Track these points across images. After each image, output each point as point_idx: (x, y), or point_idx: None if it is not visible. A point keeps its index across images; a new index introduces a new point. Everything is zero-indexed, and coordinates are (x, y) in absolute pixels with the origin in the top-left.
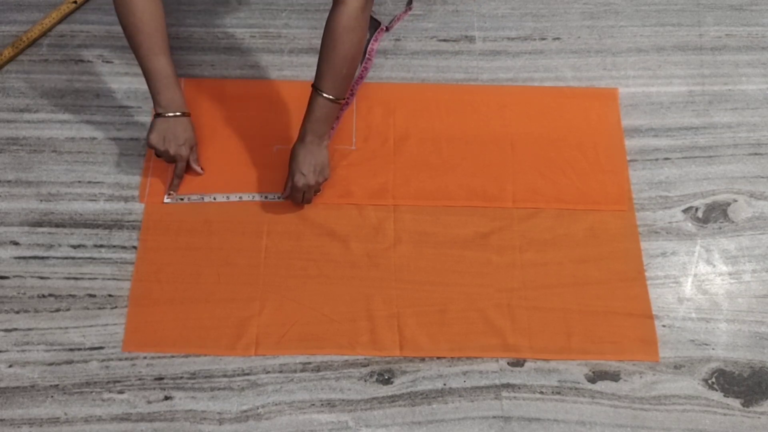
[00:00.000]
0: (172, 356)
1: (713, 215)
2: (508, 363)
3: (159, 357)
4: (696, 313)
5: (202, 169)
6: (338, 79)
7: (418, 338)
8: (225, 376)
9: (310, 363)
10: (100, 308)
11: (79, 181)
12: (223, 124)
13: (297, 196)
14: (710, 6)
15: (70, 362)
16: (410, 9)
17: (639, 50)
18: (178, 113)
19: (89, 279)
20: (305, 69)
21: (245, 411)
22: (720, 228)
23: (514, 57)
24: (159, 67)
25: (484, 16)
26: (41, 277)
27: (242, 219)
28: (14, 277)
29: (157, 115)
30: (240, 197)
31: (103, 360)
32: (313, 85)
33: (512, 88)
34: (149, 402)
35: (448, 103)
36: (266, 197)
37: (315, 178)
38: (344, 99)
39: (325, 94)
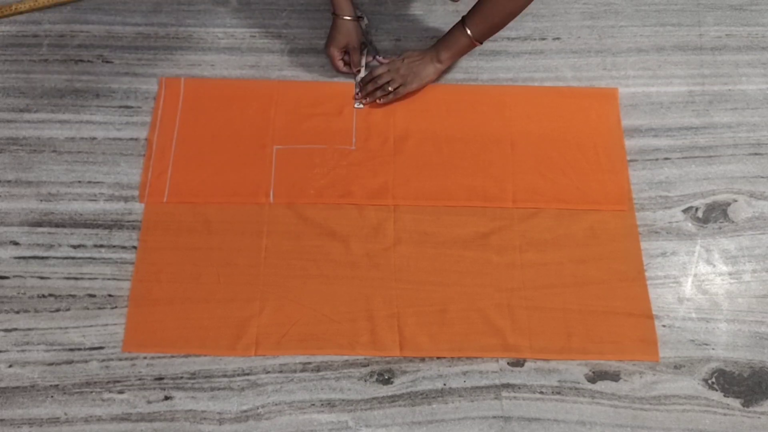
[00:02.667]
0: (172, 356)
1: (713, 215)
2: (508, 363)
3: (159, 357)
4: (696, 313)
5: (359, 70)
6: (487, 24)
7: (418, 338)
8: (225, 376)
9: (310, 363)
10: (100, 308)
11: (79, 181)
12: (223, 124)
13: (376, 71)
14: (710, 6)
15: (70, 362)
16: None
17: (639, 50)
18: (339, 15)
19: (89, 279)
20: (305, 69)
21: (245, 411)
22: (720, 228)
23: (514, 57)
24: None
25: None
26: (41, 277)
27: (242, 219)
28: (14, 277)
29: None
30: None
31: (103, 360)
32: (463, 17)
33: (512, 88)
34: (149, 402)
35: (448, 103)
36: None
37: (403, 74)
38: (481, 43)
39: (468, 30)
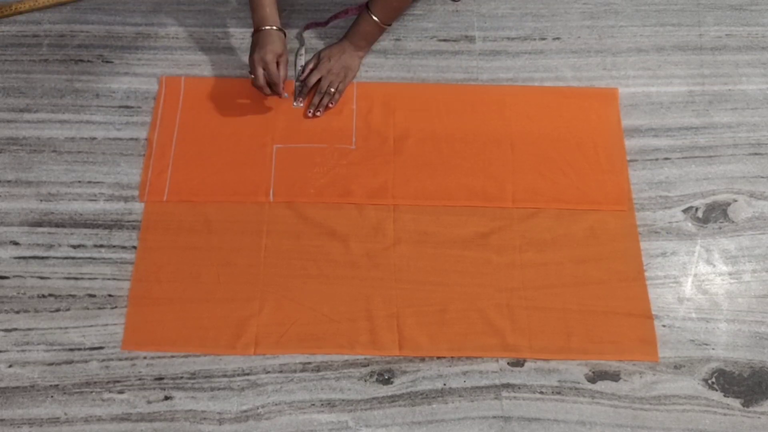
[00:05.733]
0: (172, 356)
1: (713, 215)
2: (508, 363)
3: (159, 357)
4: (696, 313)
5: (284, 89)
6: (389, 8)
7: (418, 338)
8: (225, 376)
9: (310, 363)
10: (100, 308)
11: (79, 181)
12: (223, 124)
13: (311, 80)
14: (710, 6)
15: (70, 362)
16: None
17: (639, 50)
18: (266, 27)
19: (89, 279)
20: None
21: (245, 411)
22: (720, 228)
23: (514, 57)
24: None
25: (484, 16)
26: (41, 277)
27: (242, 218)
28: (14, 277)
29: (253, 34)
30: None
31: (103, 360)
32: (365, 5)
33: (512, 88)
34: (149, 402)
35: (448, 103)
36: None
37: (337, 73)
38: (389, 25)
39: (373, 16)
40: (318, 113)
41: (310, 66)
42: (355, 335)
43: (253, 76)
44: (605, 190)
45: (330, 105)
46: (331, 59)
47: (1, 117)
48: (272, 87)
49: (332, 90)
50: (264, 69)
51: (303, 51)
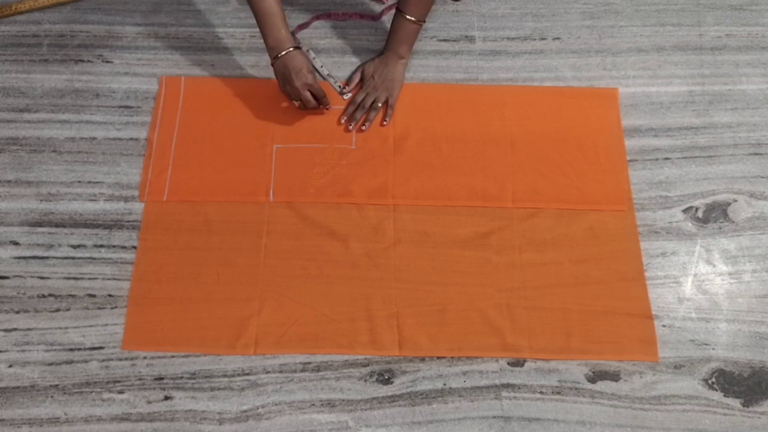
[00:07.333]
0: (172, 356)
1: (713, 215)
2: (508, 363)
3: (159, 357)
4: (696, 313)
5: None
6: (422, 3)
7: (418, 338)
8: (225, 376)
9: (310, 363)
10: (100, 308)
11: (79, 181)
12: (223, 124)
13: (358, 98)
14: (710, 6)
15: (70, 362)
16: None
17: (639, 50)
18: (290, 49)
19: (89, 279)
20: None
21: (245, 411)
22: (720, 228)
23: (514, 57)
24: (265, 7)
25: (484, 16)
26: (41, 277)
27: (242, 219)
28: (14, 277)
29: (273, 61)
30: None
31: (103, 360)
32: (397, 8)
33: (512, 88)
34: (149, 402)
35: (448, 103)
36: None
37: (382, 87)
38: (424, 21)
39: (408, 16)
40: (363, 128)
41: (356, 81)
42: (355, 335)
43: (298, 103)
44: (605, 190)
45: (384, 122)
46: (375, 75)
47: (1, 117)
48: (320, 100)
49: (378, 105)
50: (310, 91)
51: (312, 54)
